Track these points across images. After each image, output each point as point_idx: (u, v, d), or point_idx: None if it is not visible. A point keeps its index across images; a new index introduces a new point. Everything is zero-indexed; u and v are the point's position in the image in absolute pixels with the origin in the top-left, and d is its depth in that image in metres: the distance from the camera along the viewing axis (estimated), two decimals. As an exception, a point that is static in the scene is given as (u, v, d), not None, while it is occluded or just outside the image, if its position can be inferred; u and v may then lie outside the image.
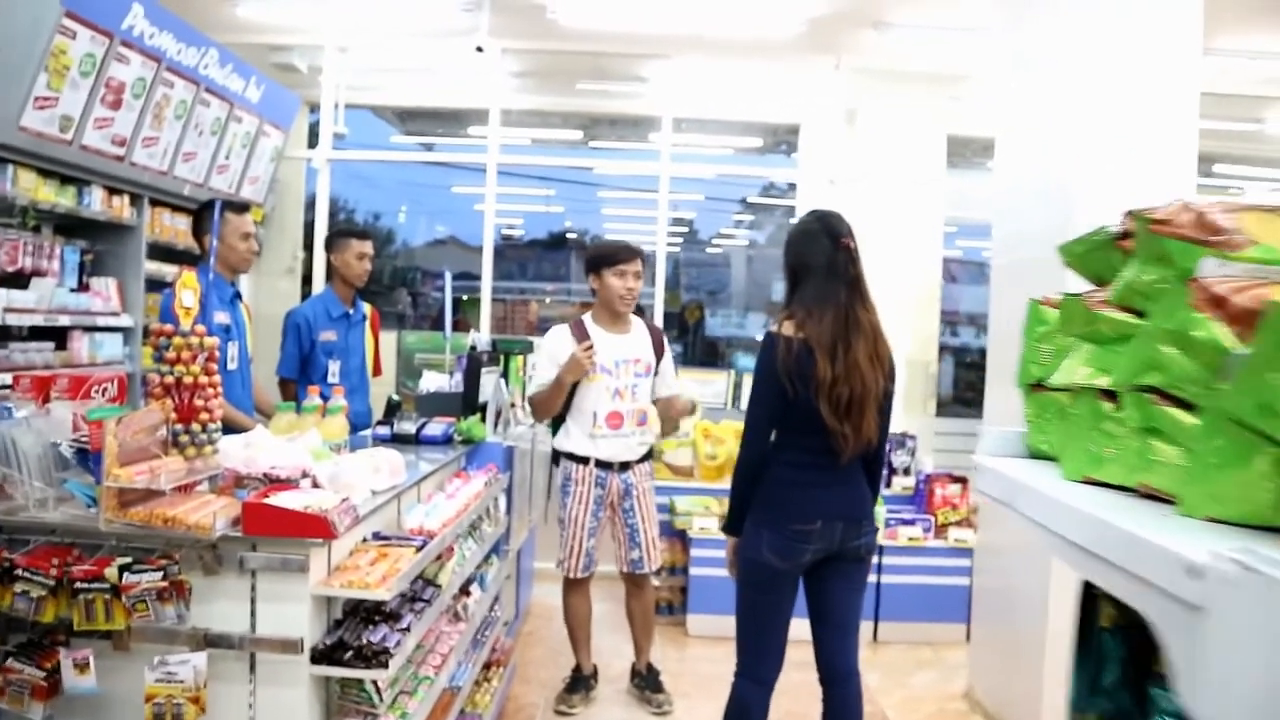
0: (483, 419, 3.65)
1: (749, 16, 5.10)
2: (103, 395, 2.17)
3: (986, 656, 3.88)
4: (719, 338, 11.06)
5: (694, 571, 4.65)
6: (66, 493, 1.94)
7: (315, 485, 2.12)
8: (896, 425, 5.43)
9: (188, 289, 2.08)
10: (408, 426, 3.45)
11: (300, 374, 4.04)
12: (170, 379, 2.03)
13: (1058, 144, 3.42)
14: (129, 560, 1.78)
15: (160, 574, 1.76)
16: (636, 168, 7.01)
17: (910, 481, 5.14)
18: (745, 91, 6.68)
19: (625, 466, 3.62)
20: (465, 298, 11.23)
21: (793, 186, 10.92)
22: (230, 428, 2.99)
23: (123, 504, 1.84)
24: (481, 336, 4.02)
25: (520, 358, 4.33)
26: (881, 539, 4.46)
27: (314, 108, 6.40)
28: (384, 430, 3.46)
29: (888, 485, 5.04)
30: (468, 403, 3.71)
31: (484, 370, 3.80)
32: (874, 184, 6.25)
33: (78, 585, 1.79)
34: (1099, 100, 3.26)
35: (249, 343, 3.67)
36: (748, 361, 10.17)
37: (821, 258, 2.54)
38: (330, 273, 4.28)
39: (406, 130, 8.29)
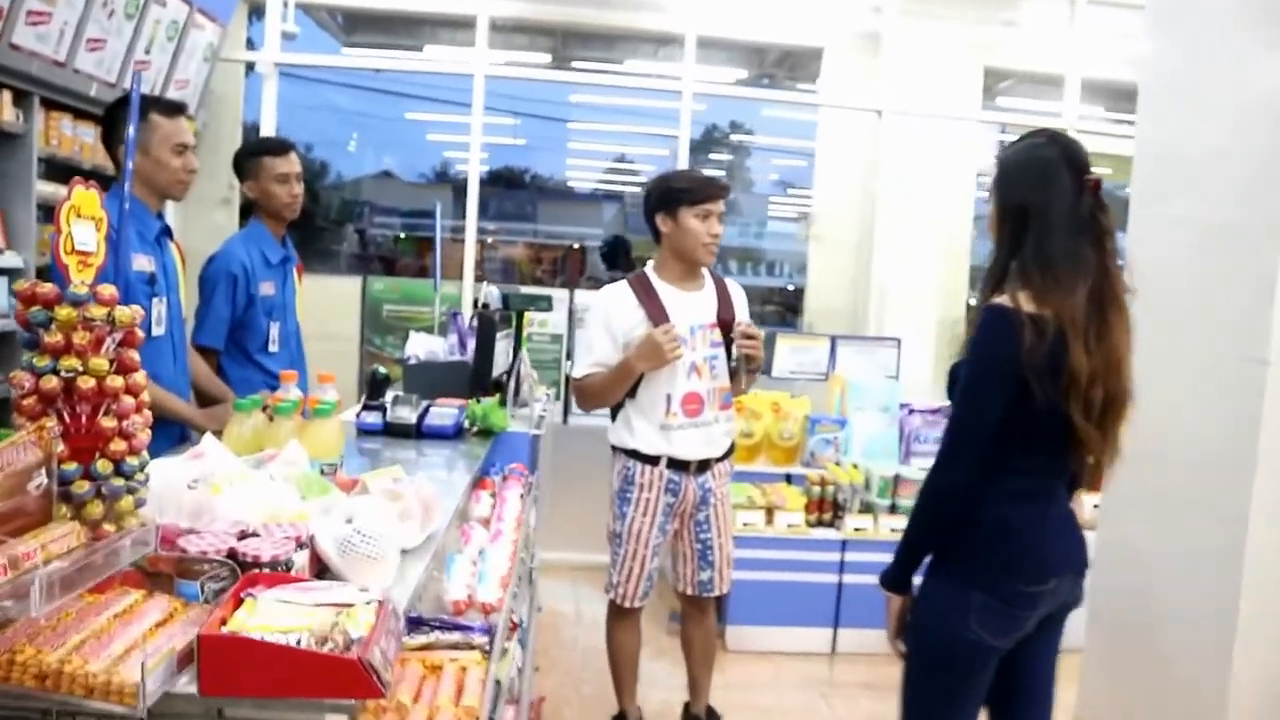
0: (500, 401, 2.79)
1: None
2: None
3: (1105, 675, 3.23)
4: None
5: (735, 574, 3.87)
6: None
7: (319, 571, 1.24)
8: (935, 401, 4.70)
9: (84, 220, 1.16)
10: (405, 413, 2.56)
11: (228, 342, 2.97)
12: (54, 383, 1.12)
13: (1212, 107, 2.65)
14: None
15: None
16: (653, 85, 5.91)
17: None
18: (760, 8, 5.75)
19: (704, 467, 2.77)
20: (403, 236, 10.02)
21: (745, 128, 9.95)
22: (162, 422, 2.07)
23: (-40, 631, 0.96)
24: (493, 290, 3.10)
25: (527, 315, 3.44)
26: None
27: (254, 12, 5.29)
28: (372, 419, 2.56)
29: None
30: (479, 378, 2.84)
31: (499, 335, 2.92)
32: (910, 118, 5.49)
33: None
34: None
35: (183, 297, 2.70)
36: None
37: (1063, 200, 1.72)
38: (251, 206, 3.16)
39: (352, 41, 7.14)
